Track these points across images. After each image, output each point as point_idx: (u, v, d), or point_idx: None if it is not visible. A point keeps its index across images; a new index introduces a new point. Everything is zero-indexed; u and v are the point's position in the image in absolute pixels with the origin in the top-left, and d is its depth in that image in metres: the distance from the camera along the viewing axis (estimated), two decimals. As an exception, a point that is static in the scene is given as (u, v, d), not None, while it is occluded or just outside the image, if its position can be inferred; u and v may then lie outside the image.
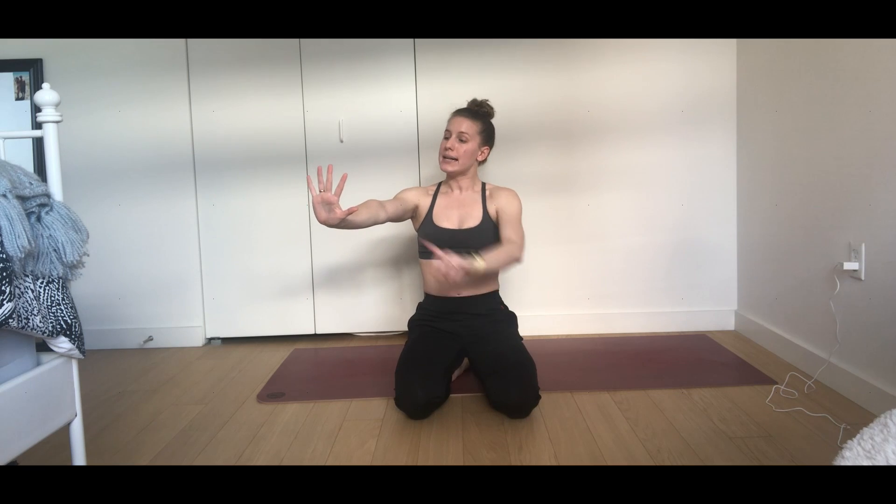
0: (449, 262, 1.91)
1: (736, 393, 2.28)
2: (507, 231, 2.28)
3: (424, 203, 2.41)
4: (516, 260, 2.18)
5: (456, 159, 2.31)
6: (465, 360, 2.55)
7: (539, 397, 2.11)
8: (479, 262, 2.00)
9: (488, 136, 2.39)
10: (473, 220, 2.34)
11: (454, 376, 2.45)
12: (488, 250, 2.10)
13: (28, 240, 1.37)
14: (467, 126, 2.31)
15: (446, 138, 2.34)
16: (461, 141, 2.31)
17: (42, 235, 1.47)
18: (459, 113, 2.36)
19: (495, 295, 2.42)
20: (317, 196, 1.98)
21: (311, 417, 2.19)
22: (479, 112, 2.39)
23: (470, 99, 2.46)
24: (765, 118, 2.76)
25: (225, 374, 2.70)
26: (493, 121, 2.46)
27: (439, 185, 2.46)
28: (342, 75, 3.04)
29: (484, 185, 2.42)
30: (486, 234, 2.32)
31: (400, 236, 3.08)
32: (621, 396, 2.28)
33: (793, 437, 1.91)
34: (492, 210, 2.34)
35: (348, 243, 3.11)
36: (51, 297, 1.48)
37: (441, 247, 2.14)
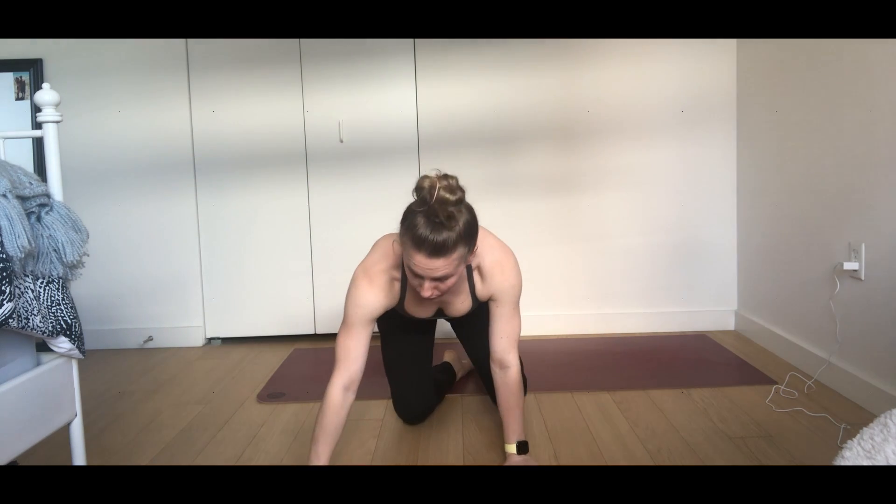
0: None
1: (736, 393, 2.28)
2: (499, 342, 1.77)
3: (392, 300, 1.79)
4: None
5: (441, 294, 1.63)
6: (468, 363, 2.54)
7: (525, 378, 2.06)
8: (525, 442, 1.77)
9: (470, 244, 1.58)
10: (458, 309, 1.85)
11: (458, 377, 2.44)
12: (515, 428, 1.77)
13: (28, 240, 1.37)
14: (443, 266, 1.53)
15: (416, 276, 1.58)
16: (441, 282, 1.58)
17: (42, 235, 1.47)
18: (426, 249, 1.50)
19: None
20: None
21: (311, 417, 2.19)
22: (449, 227, 1.50)
23: (427, 178, 1.51)
24: (765, 118, 2.76)
25: (225, 374, 2.70)
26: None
27: (403, 269, 1.72)
28: (342, 75, 3.04)
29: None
30: (477, 316, 1.93)
31: (400, 236, 3.08)
32: (621, 396, 2.28)
33: (793, 437, 1.91)
34: (484, 296, 1.81)
35: (348, 243, 3.11)
36: (51, 297, 1.48)
37: (416, 323, 1.96)
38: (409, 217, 1.55)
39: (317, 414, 1.72)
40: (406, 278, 1.73)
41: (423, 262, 1.51)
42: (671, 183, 3.07)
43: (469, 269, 1.75)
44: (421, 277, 1.56)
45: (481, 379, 2.19)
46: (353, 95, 3.04)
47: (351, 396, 1.71)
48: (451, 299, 1.80)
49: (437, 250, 1.49)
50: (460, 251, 1.54)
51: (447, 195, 1.49)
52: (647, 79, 3.03)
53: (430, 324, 2.12)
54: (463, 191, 1.54)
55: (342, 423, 1.69)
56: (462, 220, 1.53)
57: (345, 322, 1.74)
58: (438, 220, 1.48)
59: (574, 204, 3.09)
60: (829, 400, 2.18)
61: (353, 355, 1.71)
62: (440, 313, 1.90)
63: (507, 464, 1.75)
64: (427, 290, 1.57)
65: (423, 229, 1.49)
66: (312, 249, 3.13)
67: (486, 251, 1.76)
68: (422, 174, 1.57)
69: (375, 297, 1.73)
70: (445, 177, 1.52)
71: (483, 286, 1.78)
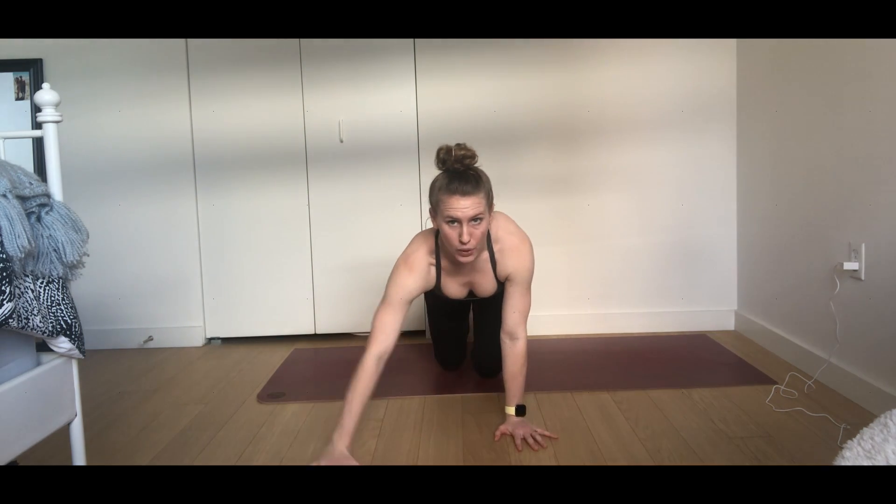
0: (517, 436, 1.94)
1: (736, 393, 2.28)
2: (511, 316, 2.01)
3: (429, 283, 2.07)
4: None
5: (474, 248, 1.86)
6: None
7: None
8: (523, 406, 2.02)
9: (490, 195, 1.90)
10: (486, 289, 2.12)
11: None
12: (515, 393, 2.02)
13: (28, 240, 1.37)
14: (474, 205, 1.80)
15: (450, 223, 1.82)
16: (476, 223, 1.83)
17: (42, 235, 1.47)
18: (457, 191, 1.79)
19: None
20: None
21: (311, 417, 2.19)
22: (471, 174, 1.84)
23: (442, 147, 1.87)
24: (765, 118, 2.76)
25: (225, 374, 2.70)
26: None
27: (438, 255, 2.04)
28: (342, 75, 3.04)
29: (490, 241, 2.03)
30: (493, 309, 2.21)
31: (400, 236, 3.08)
32: (621, 396, 2.28)
33: (793, 437, 1.91)
34: (502, 276, 2.06)
35: (348, 244, 3.11)
36: (51, 297, 1.48)
37: (455, 308, 2.40)
38: (437, 180, 1.88)
39: (349, 383, 1.86)
40: (440, 264, 2.04)
41: (458, 203, 1.79)
42: (671, 183, 3.07)
43: (491, 251, 2.02)
44: (458, 222, 1.81)
45: (475, 370, 2.55)
46: (353, 95, 3.04)
47: (381, 367, 1.90)
48: (479, 279, 2.08)
49: (467, 191, 1.79)
50: (484, 194, 1.84)
51: (463, 152, 1.84)
52: (646, 79, 3.03)
53: (465, 306, 2.45)
54: (475, 152, 1.86)
55: (371, 389, 1.87)
56: (480, 171, 1.88)
57: (385, 300, 1.98)
58: (462, 170, 1.83)
59: (574, 204, 3.09)
60: (829, 400, 2.18)
61: (389, 330, 1.93)
62: (471, 295, 2.16)
63: (507, 423, 1.99)
64: (465, 235, 1.81)
65: (452, 180, 1.81)
66: (312, 250, 3.13)
67: (505, 235, 2.04)
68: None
69: (414, 281, 1.99)
70: (458, 145, 1.86)
71: (502, 266, 2.03)
